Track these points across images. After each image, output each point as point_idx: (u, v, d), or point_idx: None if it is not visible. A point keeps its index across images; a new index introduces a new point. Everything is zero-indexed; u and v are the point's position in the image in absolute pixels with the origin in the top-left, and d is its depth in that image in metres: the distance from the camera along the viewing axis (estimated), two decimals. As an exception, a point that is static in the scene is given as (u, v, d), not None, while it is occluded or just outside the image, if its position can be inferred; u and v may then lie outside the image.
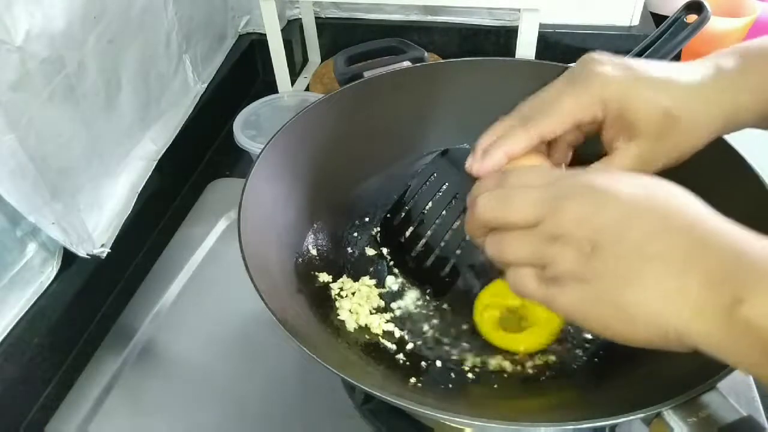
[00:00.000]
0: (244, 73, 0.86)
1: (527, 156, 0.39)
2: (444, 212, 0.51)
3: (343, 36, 0.84)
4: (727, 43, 0.75)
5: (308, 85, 0.83)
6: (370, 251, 0.54)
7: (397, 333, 0.47)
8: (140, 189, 0.61)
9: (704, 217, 0.28)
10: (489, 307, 0.47)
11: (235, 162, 0.74)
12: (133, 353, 0.54)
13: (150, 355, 0.54)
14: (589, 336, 0.47)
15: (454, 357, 0.46)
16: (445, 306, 0.49)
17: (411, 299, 0.50)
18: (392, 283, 0.52)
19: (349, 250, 0.53)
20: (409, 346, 0.47)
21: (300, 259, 0.48)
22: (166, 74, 0.66)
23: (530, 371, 0.45)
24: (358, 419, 0.47)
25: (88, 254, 0.52)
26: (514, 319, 0.47)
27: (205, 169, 0.75)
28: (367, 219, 0.55)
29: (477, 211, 0.34)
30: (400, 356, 0.45)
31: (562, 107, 0.38)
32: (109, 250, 0.55)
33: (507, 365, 0.45)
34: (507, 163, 0.39)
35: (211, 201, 0.69)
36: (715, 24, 0.72)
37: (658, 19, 0.84)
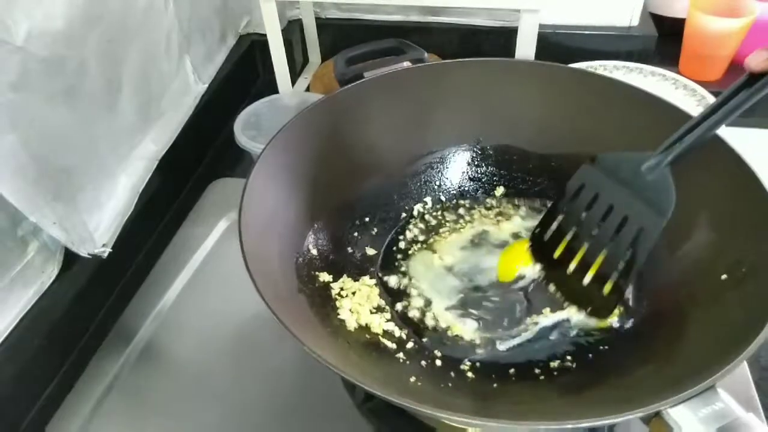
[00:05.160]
0: (245, 73, 0.86)
1: None
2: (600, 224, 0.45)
3: (343, 36, 0.84)
4: (726, 43, 0.75)
5: (308, 85, 0.83)
6: (371, 251, 0.54)
7: (397, 332, 0.48)
8: (141, 189, 0.61)
9: None
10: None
11: (235, 162, 0.74)
12: (134, 353, 0.54)
13: (150, 355, 0.54)
14: (589, 336, 0.47)
15: (454, 356, 0.46)
16: (445, 306, 0.50)
17: (411, 299, 0.50)
18: (394, 283, 0.52)
19: (350, 250, 0.53)
20: (410, 345, 0.47)
21: (300, 259, 0.48)
22: (167, 74, 0.66)
23: (530, 371, 0.45)
24: (358, 419, 0.47)
25: (89, 254, 0.52)
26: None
27: (206, 169, 0.75)
28: (367, 219, 0.55)
29: None
30: (401, 355, 0.45)
31: None
32: (110, 250, 0.55)
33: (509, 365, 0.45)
34: None
35: (211, 201, 0.69)
36: (715, 24, 0.72)
37: (658, 19, 0.84)
